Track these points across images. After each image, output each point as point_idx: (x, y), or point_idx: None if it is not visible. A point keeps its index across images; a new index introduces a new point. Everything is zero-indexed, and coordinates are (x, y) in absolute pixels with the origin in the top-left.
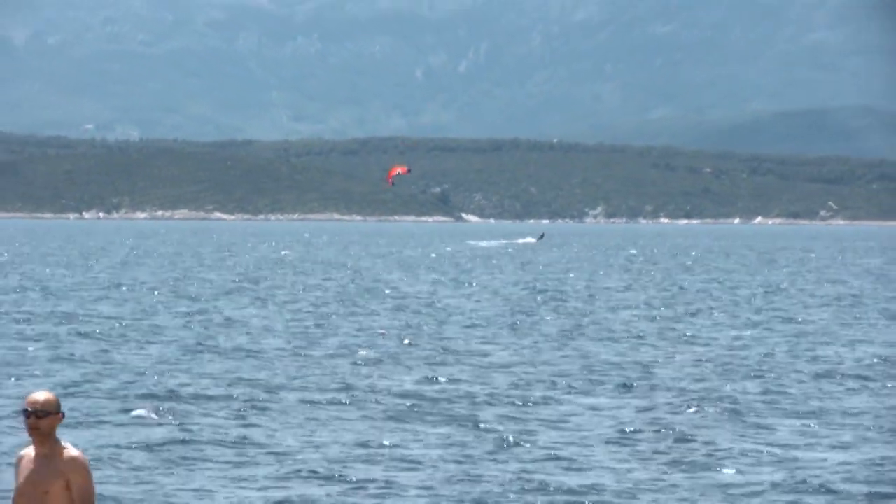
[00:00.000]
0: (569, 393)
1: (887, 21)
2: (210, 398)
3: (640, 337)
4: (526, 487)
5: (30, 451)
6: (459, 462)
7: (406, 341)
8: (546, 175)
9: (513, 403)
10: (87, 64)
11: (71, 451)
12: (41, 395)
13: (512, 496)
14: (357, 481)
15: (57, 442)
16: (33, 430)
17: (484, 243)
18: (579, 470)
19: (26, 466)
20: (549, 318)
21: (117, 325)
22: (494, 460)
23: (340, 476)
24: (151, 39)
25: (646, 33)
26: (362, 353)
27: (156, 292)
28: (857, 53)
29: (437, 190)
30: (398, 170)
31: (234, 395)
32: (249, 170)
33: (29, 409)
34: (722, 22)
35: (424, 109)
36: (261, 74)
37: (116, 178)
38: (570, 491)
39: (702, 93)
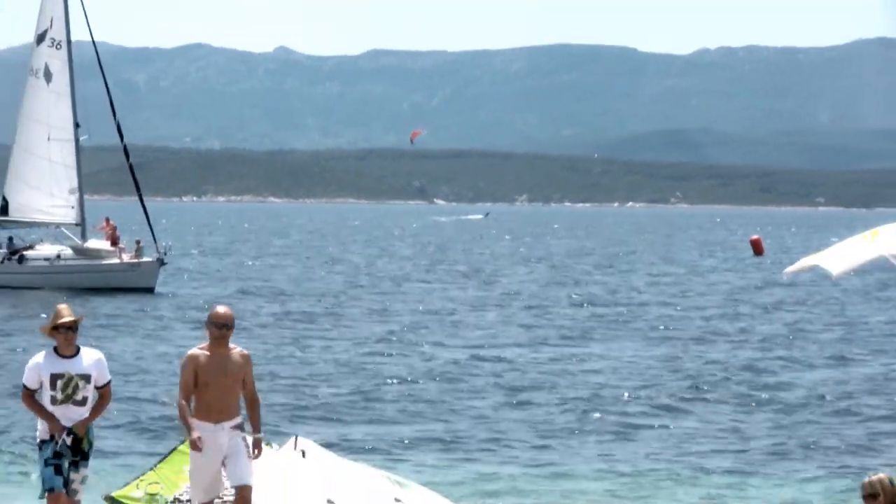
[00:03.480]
0: None
1: (719, 73)
2: None
3: None
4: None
5: (202, 353)
6: None
7: None
8: (490, 174)
9: None
10: (187, 98)
11: (241, 349)
12: (228, 311)
13: None
14: None
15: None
16: (221, 339)
17: (444, 218)
18: None
19: (212, 364)
20: None
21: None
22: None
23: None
24: (229, 81)
25: (557, 79)
26: None
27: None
28: (698, 94)
29: (417, 184)
30: (415, 133)
31: None
32: (293, 169)
33: (221, 322)
34: (608, 72)
35: (409, 130)
36: (300, 106)
37: (204, 174)
38: None
39: (596, 119)
